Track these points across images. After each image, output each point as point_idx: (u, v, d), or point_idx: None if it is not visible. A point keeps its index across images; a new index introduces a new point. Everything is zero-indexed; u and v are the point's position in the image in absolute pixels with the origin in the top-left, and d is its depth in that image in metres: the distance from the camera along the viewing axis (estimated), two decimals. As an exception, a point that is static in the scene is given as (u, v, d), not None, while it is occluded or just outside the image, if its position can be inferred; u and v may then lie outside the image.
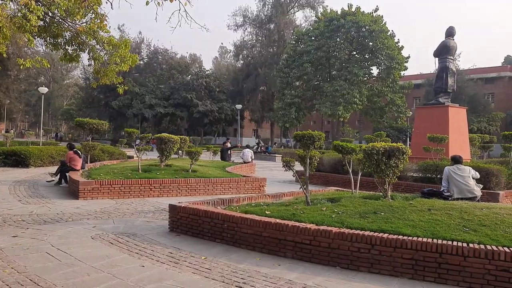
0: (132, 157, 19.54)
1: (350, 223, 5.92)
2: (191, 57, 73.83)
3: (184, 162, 14.43)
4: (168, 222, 7.41)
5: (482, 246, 4.90)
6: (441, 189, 8.49)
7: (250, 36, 56.31)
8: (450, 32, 16.38)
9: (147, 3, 7.30)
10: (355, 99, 39.22)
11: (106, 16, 8.25)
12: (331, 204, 7.30)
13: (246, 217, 6.37)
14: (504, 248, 4.84)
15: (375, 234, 5.43)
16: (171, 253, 5.91)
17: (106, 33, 8.68)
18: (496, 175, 11.74)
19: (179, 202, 7.57)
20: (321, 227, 5.76)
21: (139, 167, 12.51)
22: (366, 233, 5.49)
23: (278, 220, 6.15)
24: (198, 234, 6.82)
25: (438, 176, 12.85)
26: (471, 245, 4.96)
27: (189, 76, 57.39)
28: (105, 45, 8.75)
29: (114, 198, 10.67)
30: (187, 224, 7.02)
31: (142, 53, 58.04)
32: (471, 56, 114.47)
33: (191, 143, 28.05)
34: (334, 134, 46.48)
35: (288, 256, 5.82)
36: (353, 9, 42.44)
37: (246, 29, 55.69)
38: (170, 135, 13.44)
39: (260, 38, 55.67)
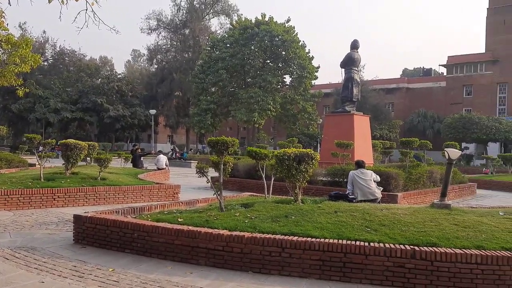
0: (34, 165, 18.09)
1: (263, 228, 6.03)
2: (101, 59, 70.56)
3: (92, 170, 13.68)
4: (73, 234, 6.97)
5: (382, 245, 5.27)
6: (347, 192, 8.99)
7: (165, 41, 55.35)
8: (354, 45, 17.50)
9: (49, 1, 6.84)
10: (269, 106, 40.25)
11: (4, 12, 7.60)
12: (245, 209, 7.37)
13: (158, 225, 6.21)
14: (401, 245, 5.25)
15: (286, 237, 5.59)
16: (75, 266, 5.56)
17: (4, 31, 7.99)
18: (395, 178, 12.70)
19: (85, 212, 7.16)
20: (234, 233, 5.80)
21: (41, 175, 11.62)
22: (277, 236, 5.63)
23: (191, 228, 6.07)
24: (106, 245, 6.50)
25: (345, 179, 13.57)
26: (372, 244, 5.30)
27: (99, 80, 54.75)
28: (2, 43, 8.04)
29: (12, 209, 9.79)
30: (94, 235, 6.65)
31: (47, 54, 54.18)
32: (374, 68, 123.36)
33: (102, 150, 26.75)
34: (249, 140, 47.21)
35: (201, 263, 5.76)
36: (266, 19, 43.60)
37: (160, 33, 54.64)
38: (76, 141, 12.68)
39: (175, 43, 54.90)
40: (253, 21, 43.99)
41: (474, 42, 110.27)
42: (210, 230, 5.92)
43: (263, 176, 9.02)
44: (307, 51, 43.74)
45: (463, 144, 40.45)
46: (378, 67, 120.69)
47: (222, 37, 47.00)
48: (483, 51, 52.34)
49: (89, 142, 14.98)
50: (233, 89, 45.31)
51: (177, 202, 9.17)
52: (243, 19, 46.23)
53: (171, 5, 54.67)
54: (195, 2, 53.16)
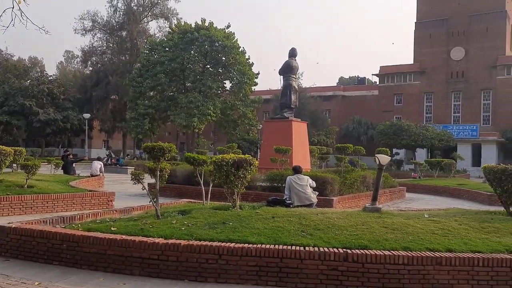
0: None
1: (200, 235, 5.96)
2: (31, 60, 66.69)
3: (19, 177, 12.83)
4: (-5, 246, 6.48)
5: (316, 249, 5.40)
6: (284, 197, 9.14)
7: (100, 42, 53.32)
8: (292, 53, 17.91)
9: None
10: (209, 111, 40.07)
11: None
12: (182, 216, 7.25)
13: (89, 235, 5.93)
14: (334, 249, 5.40)
15: (223, 244, 5.56)
16: (-4, 282, 5.16)
17: None
18: (331, 183, 13.09)
19: (9, 223, 6.70)
20: (170, 241, 5.68)
21: (-40, 183, 10.73)
22: (214, 243, 5.59)
23: (124, 236, 5.87)
24: (32, 257, 6.11)
25: (283, 185, 13.79)
26: (307, 248, 5.41)
27: (28, 81, 51.58)
28: None
29: None
30: (19, 247, 6.23)
31: (-32, 52, 50.35)
32: (312, 76, 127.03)
33: (30, 155, 25.17)
34: (189, 146, 46.63)
35: (135, 273, 5.58)
36: (206, 24, 43.47)
37: (96, 34, 52.60)
38: (1, 146, 11.84)
39: (111, 45, 53.10)
40: (193, 25, 43.66)
41: (405, 54, 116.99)
42: (144, 239, 5.75)
43: (201, 182, 8.94)
44: (247, 57, 44.11)
45: (394, 150, 42.62)
46: (315, 75, 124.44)
47: (161, 41, 46.16)
48: (412, 62, 55.68)
49: (16, 148, 14.05)
50: (172, 94, 44.62)
51: (111, 210, 8.83)
52: (183, 23, 45.73)
53: (107, 6, 52.78)
54: (132, 4, 51.86)
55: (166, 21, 52.79)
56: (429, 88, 53.76)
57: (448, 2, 53.39)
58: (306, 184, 9.21)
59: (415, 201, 17.78)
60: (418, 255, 5.25)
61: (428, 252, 5.36)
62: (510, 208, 7.83)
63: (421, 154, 43.06)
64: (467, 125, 48.23)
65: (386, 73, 57.12)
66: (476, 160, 43.69)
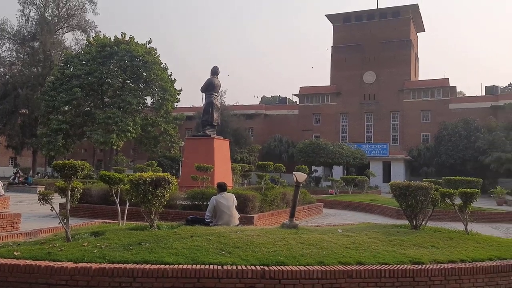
0: None
1: (113, 257, 5.69)
2: None
3: None
4: None
5: (234, 267, 5.39)
6: (205, 216, 8.97)
7: (9, 53, 49.60)
8: (214, 71, 18.02)
9: None
10: (129, 127, 38.84)
11: None
12: (95, 238, 6.89)
13: (-14, 262, 5.40)
14: (252, 266, 5.44)
15: (138, 266, 5.36)
16: None
17: None
18: (252, 200, 13.23)
19: None
20: (80, 265, 5.35)
21: None
22: (129, 266, 5.36)
23: (28, 262, 5.43)
24: None
25: (205, 203, 13.69)
26: (225, 267, 5.39)
27: None
28: None
29: None
30: None
31: None
32: (235, 94, 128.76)
33: None
34: (107, 163, 44.61)
35: (40, 301, 5.16)
36: (127, 38, 42.42)
37: (4, 44, 48.93)
38: None
39: (21, 56, 49.64)
40: (112, 39, 42.36)
41: (324, 75, 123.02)
42: (51, 263, 5.36)
43: (117, 202, 8.57)
44: (169, 73, 43.64)
45: (313, 167, 44.32)
46: (239, 93, 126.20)
47: (77, 53, 44.13)
48: (329, 84, 58.68)
49: None
50: (89, 109, 42.67)
51: (15, 233, 8.13)
52: (102, 36, 44.17)
53: (18, 15, 49.51)
54: (46, 14, 49.07)
55: (84, 34, 50.59)
56: (344, 109, 56.92)
57: (361, 29, 57.39)
58: (232, 205, 8.80)
59: (332, 216, 18.53)
60: (331, 269, 5.45)
61: (340, 266, 5.59)
62: (414, 221, 8.46)
63: (337, 171, 45.18)
64: (378, 144, 51.61)
65: (305, 93, 59.57)
66: (387, 176, 46.76)
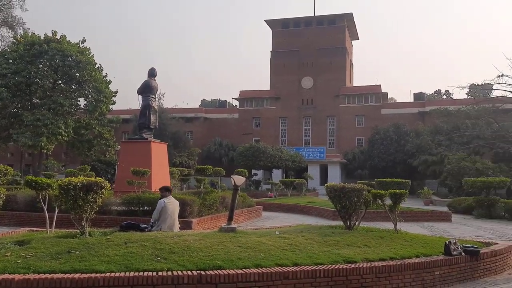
0: None
1: (39, 267, 5.35)
2: None
3: None
4: None
5: (170, 273, 5.26)
6: (151, 222, 8.69)
7: None
8: (152, 73, 17.61)
9: None
10: (60, 130, 36.91)
11: None
12: (19, 247, 6.45)
13: None
14: (188, 272, 5.34)
15: (66, 275, 5.08)
16: None
17: None
18: (190, 204, 13.03)
19: None
20: (1, 276, 4.97)
21: None
22: (56, 276, 5.06)
23: None
24: None
25: (141, 208, 13.32)
26: (160, 273, 5.24)
27: None
28: None
29: None
30: None
31: None
32: (174, 97, 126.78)
33: None
34: (35, 168, 42.08)
35: (-47, 319, 4.73)
36: (58, 37, 40.37)
37: None
38: None
39: None
40: (42, 37, 40.12)
41: (264, 80, 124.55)
42: (-33, 277, 4.93)
43: (45, 209, 8.09)
44: (104, 74, 42.06)
45: (253, 171, 44.58)
46: (177, 96, 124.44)
47: (3, 51, 41.26)
48: (269, 88, 59.50)
49: None
50: (16, 110, 40.04)
51: None
52: (30, 34, 41.68)
53: None
54: (-32, 9, 45.62)
55: (11, 31, 47.51)
56: (284, 113, 57.98)
57: (299, 35, 58.85)
58: (177, 210, 8.90)
59: (271, 219, 18.73)
60: (268, 271, 5.49)
61: (277, 268, 5.64)
62: (348, 222, 8.76)
63: (277, 175, 45.82)
64: (315, 147, 53.05)
65: (245, 97, 59.97)
66: (324, 179, 48.13)
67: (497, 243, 8.88)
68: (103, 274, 5.12)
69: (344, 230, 8.50)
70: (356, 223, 8.92)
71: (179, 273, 5.27)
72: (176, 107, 64.37)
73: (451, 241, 7.46)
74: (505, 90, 36.33)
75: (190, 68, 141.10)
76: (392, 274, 6.24)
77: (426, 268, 6.66)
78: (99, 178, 7.49)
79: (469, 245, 7.69)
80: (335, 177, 47.09)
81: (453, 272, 7.06)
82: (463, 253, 7.33)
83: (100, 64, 41.77)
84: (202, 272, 5.31)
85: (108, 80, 42.34)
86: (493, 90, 44.09)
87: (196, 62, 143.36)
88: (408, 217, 17.24)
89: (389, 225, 9.84)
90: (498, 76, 33.94)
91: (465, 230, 15.58)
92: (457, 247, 7.34)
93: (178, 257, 5.90)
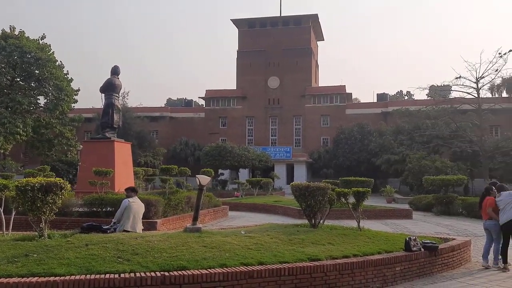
0: None
1: (-6, 272, 5.12)
2: None
3: None
4: None
5: (133, 275, 5.16)
6: (113, 221, 8.52)
7: None
8: (115, 71, 17.20)
9: None
10: (19, 130, 35.57)
11: None
12: (-28, 252, 6.15)
13: None
14: (151, 273, 5.25)
15: (23, 279, 4.90)
16: None
17: None
18: (155, 205, 12.82)
19: None
20: (-48, 283, 4.73)
21: None
22: (12, 280, 4.88)
23: None
24: None
25: (104, 209, 13.00)
26: (122, 275, 5.13)
27: None
28: None
29: None
30: None
31: None
32: (139, 96, 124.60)
33: None
34: (-8, 169, 40.34)
35: None
36: (16, 32, 38.87)
37: None
38: None
39: None
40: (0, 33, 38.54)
41: (230, 79, 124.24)
42: None
43: (1, 210, 7.77)
44: (65, 72, 40.82)
45: (220, 171, 44.41)
46: (143, 95, 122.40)
47: (-44, 47, 39.39)
48: (235, 87, 59.43)
49: None
50: (-30, 109, 38.30)
51: None
52: (-14, 29, 39.96)
53: None
54: None
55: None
56: (250, 113, 58.09)
57: (265, 35, 59.10)
58: (141, 211, 8.82)
59: (237, 219, 18.72)
60: (233, 270, 5.48)
61: (242, 267, 5.64)
62: (313, 220, 8.87)
63: (243, 174, 45.86)
64: (282, 147, 53.47)
65: (212, 96, 59.68)
66: (290, 178, 48.56)
67: (454, 239, 9.21)
68: (62, 278, 4.97)
69: (309, 229, 8.60)
70: (321, 221, 9.04)
71: (142, 274, 5.18)
72: (141, 106, 63.31)
73: (411, 237, 7.69)
74: (462, 92, 37.64)
75: (155, 66, 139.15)
76: (355, 271, 6.36)
77: (387, 264, 6.83)
78: (58, 179, 7.26)
79: (428, 241, 7.95)
80: (301, 176, 47.59)
81: (413, 267, 7.28)
82: (422, 249, 7.57)
83: (61, 61, 40.55)
84: (166, 273, 5.24)
85: (70, 78, 41.15)
86: (451, 91, 45.86)
87: (161, 61, 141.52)
88: (371, 215, 17.64)
89: (353, 223, 10.02)
90: (456, 78, 35.23)
91: (425, 226, 16.10)
92: (416, 243, 7.57)
93: (141, 258, 5.80)
